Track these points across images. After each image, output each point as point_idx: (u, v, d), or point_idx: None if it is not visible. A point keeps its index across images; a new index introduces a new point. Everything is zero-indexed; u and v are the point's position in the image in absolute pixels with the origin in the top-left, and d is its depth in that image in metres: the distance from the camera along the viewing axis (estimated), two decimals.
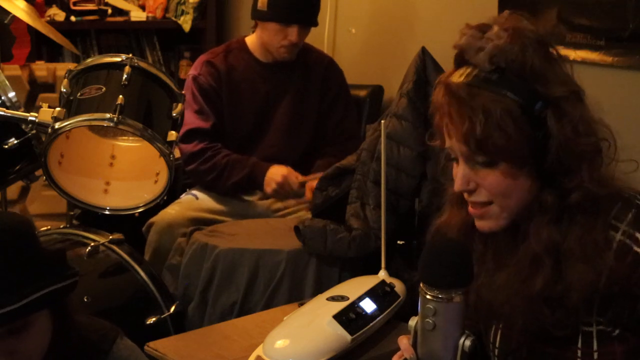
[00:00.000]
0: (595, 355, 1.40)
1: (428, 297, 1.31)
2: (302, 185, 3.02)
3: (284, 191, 3.02)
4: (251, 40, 3.19)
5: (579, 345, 1.40)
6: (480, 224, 1.45)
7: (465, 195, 1.44)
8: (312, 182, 2.93)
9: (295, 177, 3.01)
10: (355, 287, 2.22)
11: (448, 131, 1.41)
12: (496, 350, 1.53)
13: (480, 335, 1.56)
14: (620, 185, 1.42)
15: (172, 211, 3.02)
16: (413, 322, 1.36)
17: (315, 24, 3.16)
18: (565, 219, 1.38)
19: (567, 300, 1.36)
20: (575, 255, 1.36)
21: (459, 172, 1.42)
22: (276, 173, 3.01)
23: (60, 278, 1.50)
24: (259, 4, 3.06)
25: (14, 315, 1.42)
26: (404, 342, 1.39)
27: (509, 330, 1.48)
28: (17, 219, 1.55)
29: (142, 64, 2.26)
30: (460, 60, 1.41)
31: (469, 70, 1.39)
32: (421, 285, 1.32)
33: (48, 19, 4.06)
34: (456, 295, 1.30)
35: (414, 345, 1.36)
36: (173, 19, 4.29)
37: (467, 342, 1.32)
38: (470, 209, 1.45)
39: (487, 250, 1.48)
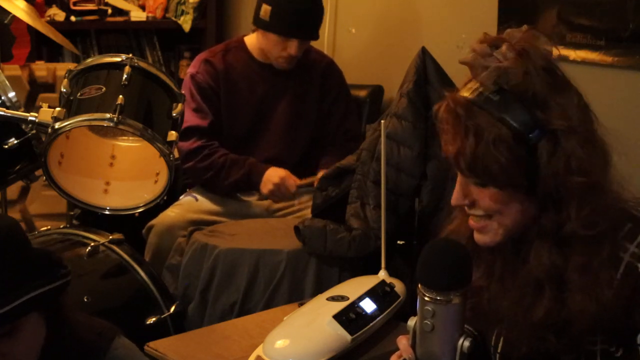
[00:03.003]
0: None
1: (426, 298, 1.30)
2: (299, 188, 3.01)
3: (280, 193, 3.01)
4: (250, 40, 3.18)
5: None
6: (478, 238, 1.44)
7: (466, 208, 1.44)
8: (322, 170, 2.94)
9: (293, 181, 3.01)
10: (355, 287, 2.22)
11: (445, 145, 1.40)
12: (497, 355, 1.53)
13: (481, 334, 1.56)
14: (629, 202, 1.39)
15: (171, 213, 3.02)
16: (412, 322, 1.36)
17: (316, 38, 3.13)
18: (566, 246, 1.36)
19: (571, 327, 1.35)
20: (576, 285, 1.34)
21: (456, 186, 1.42)
22: (274, 175, 3.00)
23: (49, 280, 1.48)
24: (262, 13, 3.03)
25: (1, 320, 1.41)
26: (403, 342, 1.39)
27: (512, 348, 1.46)
28: (3, 222, 1.51)
29: (142, 64, 2.25)
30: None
31: (475, 86, 1.36)
32: (419, 286, 1.31)
33: (48, 19, 4.05)
34: (455, 297, 1.29)
35: (413, 345, 1.36)
36: (173, 19, 4.29)
37: (466, 343, 1.32)
38: (470, 221, 1.44)
39: (495, 262, 1.47)
